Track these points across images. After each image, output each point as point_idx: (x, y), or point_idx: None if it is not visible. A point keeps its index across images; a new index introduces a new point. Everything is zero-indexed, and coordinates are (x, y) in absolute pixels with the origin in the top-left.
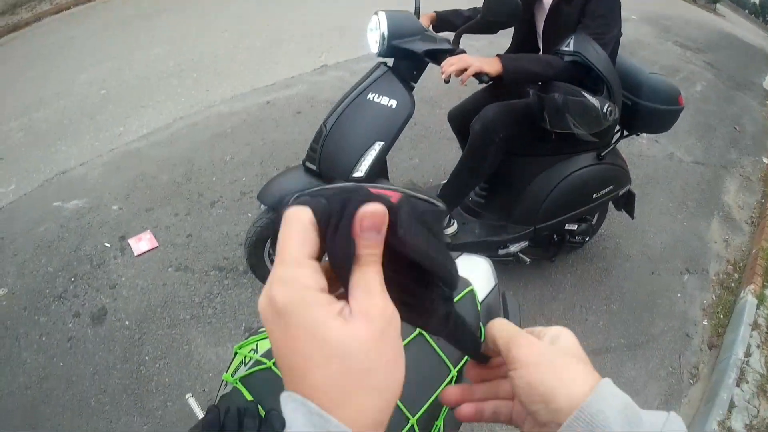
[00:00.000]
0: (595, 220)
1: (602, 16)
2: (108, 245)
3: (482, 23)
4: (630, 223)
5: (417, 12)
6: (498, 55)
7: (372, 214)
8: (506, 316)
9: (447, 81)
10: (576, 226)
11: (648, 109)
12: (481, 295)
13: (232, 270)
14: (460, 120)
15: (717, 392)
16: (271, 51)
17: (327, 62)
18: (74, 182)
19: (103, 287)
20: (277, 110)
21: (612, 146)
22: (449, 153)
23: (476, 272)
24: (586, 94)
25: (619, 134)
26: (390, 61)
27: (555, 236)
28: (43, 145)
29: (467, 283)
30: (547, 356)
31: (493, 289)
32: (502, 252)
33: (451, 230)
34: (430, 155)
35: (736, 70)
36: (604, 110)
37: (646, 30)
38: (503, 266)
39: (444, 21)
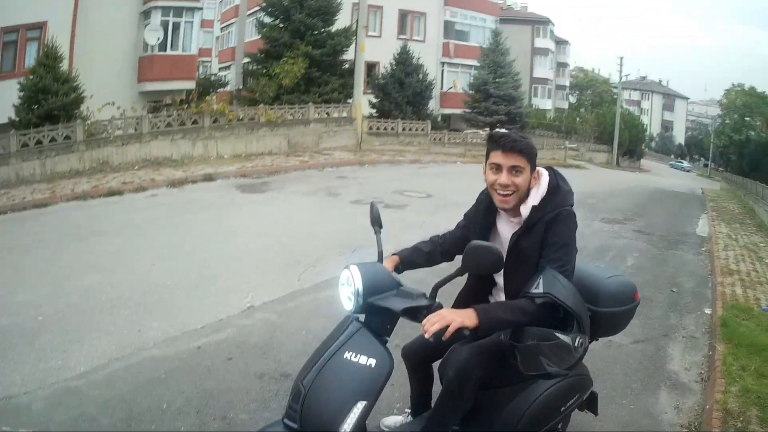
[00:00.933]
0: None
1: (564, 246)
2: None
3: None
4: (575, 423)
5: (380, 257)
6: (473, 308)
7: None
8: None
9: (431, 340)
10: None
11: (608, 315)
12: None
13: None
14: (420, 357)
15: None
16: (199, 290)
17: (253, 303)
18: (20, 411)
19: None
20: (208, 356)
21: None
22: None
23: None
24: (558, 335)
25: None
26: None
27: None
28: None
29: None
30: None
31: None
32: None
33: None
34: None
35: (667, 228)
36: (576, 344)
37: None
38: None
39: (407, 263)
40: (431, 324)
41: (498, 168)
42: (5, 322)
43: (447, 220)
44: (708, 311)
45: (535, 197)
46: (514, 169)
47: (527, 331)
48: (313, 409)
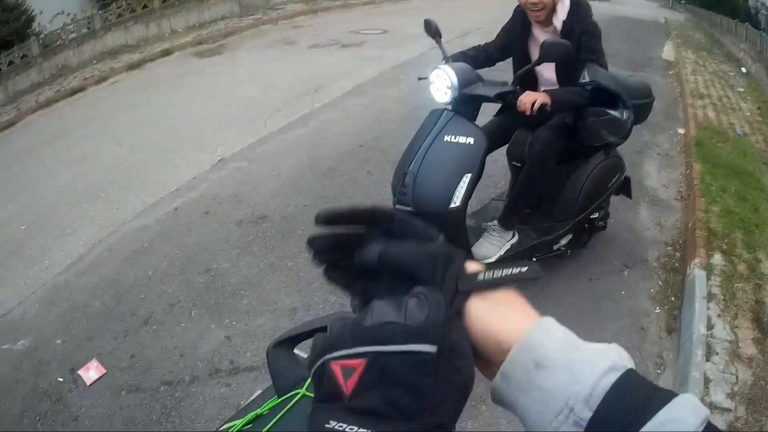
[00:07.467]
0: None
1: (596, 50)
2: (61, 380)
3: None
4: None
5: (447, 60)
6: (545, 91)
7: None
8: None
9: (530, 113)
10: (597, 214)
11: (635, 106)
12: None
13: (180, 383)
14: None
15: (688, 373)
16: (169, 156)
17: (224, 155)
18: (16, 323)
19: (68, 421)
20: (186, 215)
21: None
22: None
23: None
24: (610, 111)
25: None
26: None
27: (586, 225)
28: None
29: None
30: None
31: None
32: (556, 247)
33: (515, 239)
34: None
35: (633, 51)
36: (624, 117)
37: None
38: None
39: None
40: (525, 102)
41: None
42: None
43: (406, 52)
44: (681, 131)
45: (562, 12)
46: None
47: (586, 111)
48: (424, 188)
